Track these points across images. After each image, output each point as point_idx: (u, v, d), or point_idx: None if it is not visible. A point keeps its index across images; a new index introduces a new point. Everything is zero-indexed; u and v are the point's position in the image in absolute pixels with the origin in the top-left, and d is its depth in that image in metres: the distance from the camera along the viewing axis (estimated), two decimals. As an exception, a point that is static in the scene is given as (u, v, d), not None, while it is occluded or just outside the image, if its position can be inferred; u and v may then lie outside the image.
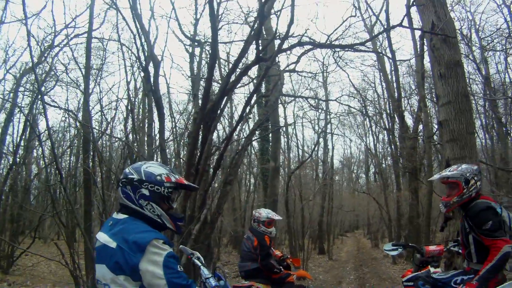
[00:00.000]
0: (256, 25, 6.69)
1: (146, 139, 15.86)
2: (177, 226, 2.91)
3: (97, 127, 18.83)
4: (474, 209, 4.51)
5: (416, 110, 20.90)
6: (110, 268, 2.52)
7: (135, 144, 16.39)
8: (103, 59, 19.95)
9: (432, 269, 5.12)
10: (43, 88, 17.76)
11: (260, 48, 6.61)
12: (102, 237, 2.65)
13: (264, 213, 7.45)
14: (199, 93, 13.43)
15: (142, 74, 11.47)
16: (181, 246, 4.30)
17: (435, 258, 5.30)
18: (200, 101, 8.83)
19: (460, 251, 5.49)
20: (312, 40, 8.58)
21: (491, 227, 4.30)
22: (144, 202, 2.74)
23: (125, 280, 2.48)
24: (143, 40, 8.94)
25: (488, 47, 19.13)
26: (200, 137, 7.20)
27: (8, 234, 16.58)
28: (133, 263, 2.44)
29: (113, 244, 2.54)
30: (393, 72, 22.00)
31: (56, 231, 13.91)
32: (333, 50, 12.88)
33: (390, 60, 21.63)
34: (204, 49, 15.94)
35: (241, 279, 7.34)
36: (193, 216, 7.23)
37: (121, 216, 2.74)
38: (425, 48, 9.72)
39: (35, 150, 22.69)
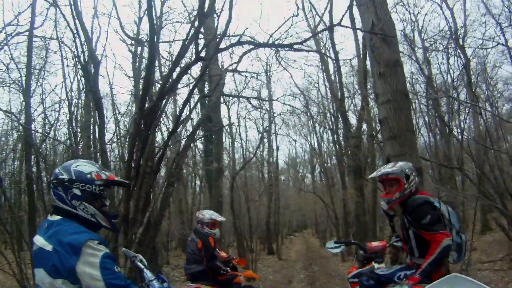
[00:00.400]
0: (196, 24, 6.62)
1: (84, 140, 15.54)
2: (112, 223, 2.87)
3: (40, 130, 18.22)
4: (412, 204, 4.57)
5: (359, 109, 21.29)
6: (47, 271, 2.46)
7: (79, 147, 16.00)
8: (45, 58, 19.29)
9: (376, 265, 5.16)
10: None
11: (200, 47, 6.55)
12: (39, 241, 2.59)
13: (208, 214, 7.39)
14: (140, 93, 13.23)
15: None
16: (123, 249, 4.21)
17: (378, 254, 5.36)
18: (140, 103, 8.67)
19: (402, 246, 5.59)
20: (252, 39, 8.57)
21: (430, 221, 4.36)
22: (77, 202, 2.68)
23: (63, 284, 2.43)
24: (83, 39, 8.72)
25: (430, 48, 19.67)
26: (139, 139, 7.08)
27: None
28: (69, 265, 2.39)
29: (49, 247, 2.48)
30: (336, 72, 22.34)
31: (3, 239, 13.39)
32: (275, 50, 12.93)
33: (333, 60, 21.93)
34: (146, 49, 15.71)
35: (188, 281, 7.25)
36: (136, 219, 7.08)
37: (55, 217, 2.67)
38: (367, 48, 9.90)
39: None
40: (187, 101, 7.76)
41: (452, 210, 4.75)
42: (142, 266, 3.56)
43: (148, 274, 3.44)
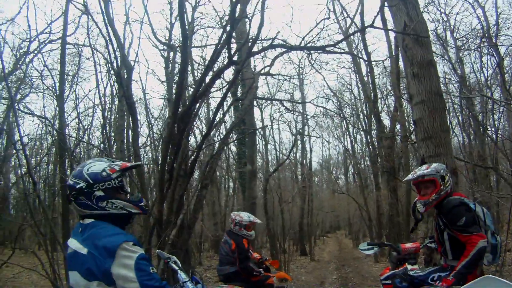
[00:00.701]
0: (227, 28, 6.69)
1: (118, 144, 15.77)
2: (141, 207, 2.86)
3: (74, 134, 18.60)
4: (447, 206, 4.49)
5: (392, 110, 21.10)
6: (82, 274, 2.47)
7: (113, 151, 16.25)
8: (78, 65, 19.70)
9: (409, 267, 5.12)
10: (18, 96, 17.52)
11: (232, 51, 6.60)
12: (73, 244, 2.60)
13: (246, 216, 7.43)
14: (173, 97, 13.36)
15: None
16: (157, 250, 4.25)
17: (411, 255, 5.32)
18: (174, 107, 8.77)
19: (437, 247, 5.54)
20: (284, 43, 8.58)
21: (465, 223, 4.27)
22: (103, 203, 2.67)
23: (98, 286, 2.43)
24: (115, 45, 8.85)
25: (463, 47, 19.38)
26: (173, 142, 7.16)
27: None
28: (104, 268, 2.39)
29: (84, 251, 2.49)
30: (368, 74, 22.19)
31: (37, 241, 13.66)
32: (308, 52, 12.90)
33: (365, 62, 21.77)
34: (178, 54, 15.87)
35: (221, 282, 7.30)
36: (169, 221, 7.16)
37: (88, 220, 2.68)
38: (399, 49, 9.83)
39: (12, 159, 22.40)
40: (220, 104, 7.83)
41: (487, 211, 4.64)
42: (176, 268, 3.54)
43: (182, 275, 3.43)
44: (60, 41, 15.57)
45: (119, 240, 2.47)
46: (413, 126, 13.57)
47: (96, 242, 2.47)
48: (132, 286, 2.40)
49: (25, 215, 19.75)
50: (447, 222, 4.50)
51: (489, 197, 12.75)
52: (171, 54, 16.95)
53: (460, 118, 21.02)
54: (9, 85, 14.56)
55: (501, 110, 16.17)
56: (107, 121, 19.18)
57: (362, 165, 34.57)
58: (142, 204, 2.87)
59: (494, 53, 16.14)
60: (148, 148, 21.03)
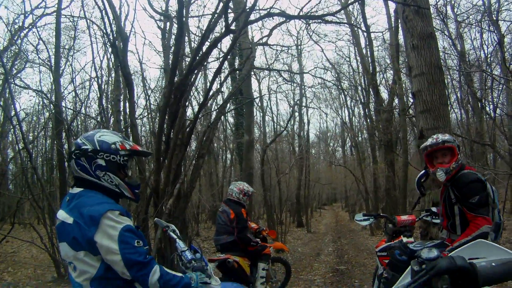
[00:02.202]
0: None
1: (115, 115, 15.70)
2: (135, 194, 2.84)
3: (71, 107, 18.49)
4: (463, 180, 4.40)
5: (390, 83, 21.03)
6: (70, 245, 2.46)
7: (110, 124, 16.19)
8: (73, 38, 19.49)
9: (404, 239, 5.11)
10: (14, 71, 17.40)
11: (230, 21, 6.51)
12: (61, 215, 2.58)
13: (249, 186, 7.54)
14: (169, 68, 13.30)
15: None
16: (156, 219, 4.23)
17: (407, 227, 5.33)
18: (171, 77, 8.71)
19: (433, 221, 5.53)
20: (282, 11, 8.48)
21: (478, 202, 4.21)
22: (101, 172, 2.63)
23: (85, 256, 2.42)
24: (111, 16, 8.74)
25: (463, 23, 19.21)
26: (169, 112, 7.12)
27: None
28: (88, 237, 2.36)
29: (70, 220, 2.47)
30: (367, 46, 22.05)
31: (36, 215, 13.70)
32: (306, 23, 12.76)
33: (364, 34, 21.64)
34: (175, 24, 15.72)
35: (217, 252, 7.34)
36: (166, 191, 7.16)
37: (76, 190, 2.65)
38: (399, 21, 9.72)
39: (10, 134, 22.33)
40: (217, 73, 7.76)
41: (495, 189, 4.54)
42: (175, 236, 3.52)
43: (180, 244, 3.41)
44: (55, 14, 15.39)
45: (103, 208, 2.43)
46: (411, 100, 13.56)
47: (82, 211, 2.44)
48: (115, 259, 2.38)
49: (23, 190, 19.78)
50: (461, 196, 4.40)
51: (486, 174, 12.81)
52: (168, 24, 16.86)
53: (458, 94, 21.02)
54: (4, 60, 14.43)
55: (500, 87, 16.09)
56: (104, 93, 19.05)
57: (360, 138, 34.64)
58: (137, 191, 2.85)
59: (495, 30, 16.00)
60: (145, 119, 21.01)
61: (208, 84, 10.91)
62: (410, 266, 2.02)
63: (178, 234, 3.61)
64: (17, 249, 15.54)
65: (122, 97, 16.71)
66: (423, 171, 5.23)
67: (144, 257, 2.43)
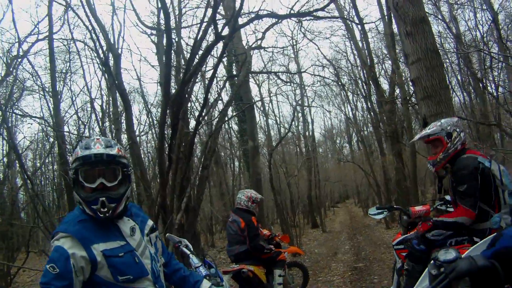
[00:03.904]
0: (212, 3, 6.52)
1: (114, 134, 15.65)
2: (93, 210, 2.50)
3: (75, 131, 18.49)
4: (457, 166, 4.37)
5: (390, 73, 20.89)
6: None
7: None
8: (68, 61, 19.50)
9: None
10: (14, 100, 17.42)
11: (220, 28, 6.43)
12: None
13: (256, 193, 7.47)
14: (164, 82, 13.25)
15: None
16: (167, 234, 4.15)
17: (422, 218, 5.21)
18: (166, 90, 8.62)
19: (447, 209, 5.41)
20: (271, 12, 8.41)
21: (464, 191, 4.19)
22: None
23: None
24: (100, 35, 8.70)
25: (455, 4, 19.08)
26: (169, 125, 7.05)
27: (2, 252, 16.32)
28: None
29: None
30: (362, 39, 21.95)
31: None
32: (299, 22, 12.66)
33: (358, 26, 21.51)
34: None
35: (232, 263, 7.23)
36: (173, 206, 7.07)
37: None
38: (391, 9, 9.60)
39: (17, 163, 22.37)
40: (211, 81, 7.67)
41: (505, 169, 4.47)
42: (188, 252, 3.46)
43: (194, 260, 3.34)
44: (47, 39, 15.44)
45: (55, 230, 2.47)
46: (412, 88, 13.44)
47: None
48: None
49: (35, 218, 19.82)
50: (454, 181, 4.39)
51: (494, 154, 12.63)
52: (162, 39, 16.80)
53: (459, 77, 20.81)
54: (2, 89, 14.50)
55: (499, 66, 15.93)
56: (106, 113, 19.04)
57: (365, 132, 34.48)
58: (94, 206, 2.49)
59: (488, 9, 15.86)
60: (150, 136, 20.98)
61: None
62: (427, 270, 1.90)
63: (191, 249, 3.53)
64: (34, 277, 15.51)
65: (122, 113, 16.67)
66: None
67: (46, 279, 2.30)
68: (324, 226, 25.69)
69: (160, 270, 2.74)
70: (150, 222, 2.86)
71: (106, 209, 2.49)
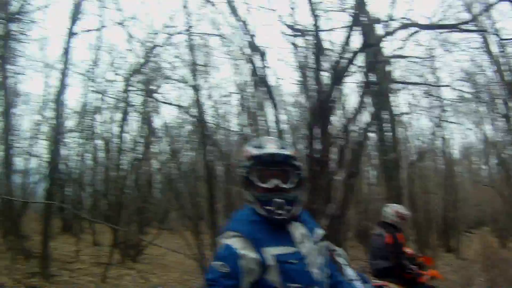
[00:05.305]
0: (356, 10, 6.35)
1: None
2: (267, 210, 2.42)
3: (212, 122, 19.24)
4: None
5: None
6: None
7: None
8: (207, 55, 20.26)
9: None
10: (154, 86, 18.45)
11: (365, 34, 6.23)
12: None
13: (405, 209, 7.23)
14: (309, 84, 13.32)
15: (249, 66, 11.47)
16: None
17: None
18: (313, 93, 8.49)
19: None
20: (415, 22, 8.12)
21: None
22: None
23: None
24: (245, 32, 8.89)
25: None
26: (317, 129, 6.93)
27: (136, 225, 17.78)
28: None
29: None
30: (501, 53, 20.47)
31: (182, 223, 14.46)
32: (438, 33, 12.10)
33: (497, 39, 20.10)
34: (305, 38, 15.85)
35: (373, 277, 6.97)
36: (319, 211, 6.95)
37: None
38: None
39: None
40: (366, 88, 7.47)
41: None
42: (344, 262, 3.26)
43: (349, 272, 3.12)
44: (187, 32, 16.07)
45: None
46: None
47: None
48: None
49: (170, 199, 21.11)
50: None
51: None
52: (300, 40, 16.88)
53: None
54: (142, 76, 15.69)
55: None
56: (245, 108, 19.52)
57: (505, 154, 32.28)
58: (269, 207, 2.40)
59: None
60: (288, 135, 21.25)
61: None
62: None
63: (347, 260, 3.29)
64: (164, 252, 16.25)
65: (263, 110, 16.96)
66: None
67: (213, 276, 2.30)
68: (459, 252, 24.49)
69: (326, 282, 2.58)
70: (320, 231, 2.69)
71: (283, 211, 2.40)
